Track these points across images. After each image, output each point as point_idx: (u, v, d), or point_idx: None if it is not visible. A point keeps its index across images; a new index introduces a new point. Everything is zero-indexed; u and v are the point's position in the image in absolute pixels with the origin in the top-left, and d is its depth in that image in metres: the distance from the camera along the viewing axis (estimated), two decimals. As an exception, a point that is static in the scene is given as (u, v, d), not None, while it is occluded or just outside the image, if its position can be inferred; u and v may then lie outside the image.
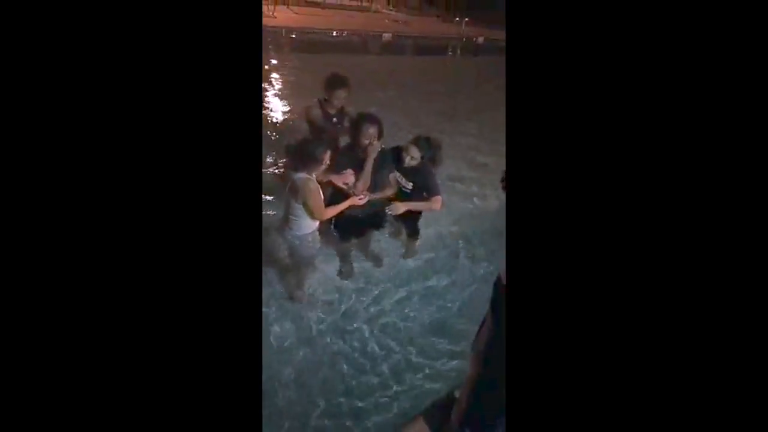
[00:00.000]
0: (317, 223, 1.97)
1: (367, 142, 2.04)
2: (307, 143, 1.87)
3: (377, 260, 2.64)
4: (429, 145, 2.16)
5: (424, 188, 2.24)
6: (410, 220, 2.49)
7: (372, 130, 2.04)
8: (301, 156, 1.82)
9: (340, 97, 2.41)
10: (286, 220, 1.98)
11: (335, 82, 2.39)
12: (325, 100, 2.46)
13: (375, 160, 2.07)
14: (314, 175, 1.85)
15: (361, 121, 2.09)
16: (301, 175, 1.82)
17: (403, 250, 2.75)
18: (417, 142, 2.14)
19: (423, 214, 2.51)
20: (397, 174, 2.25)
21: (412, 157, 2.13)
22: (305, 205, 1.85)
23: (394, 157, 2.23)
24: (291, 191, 1.87)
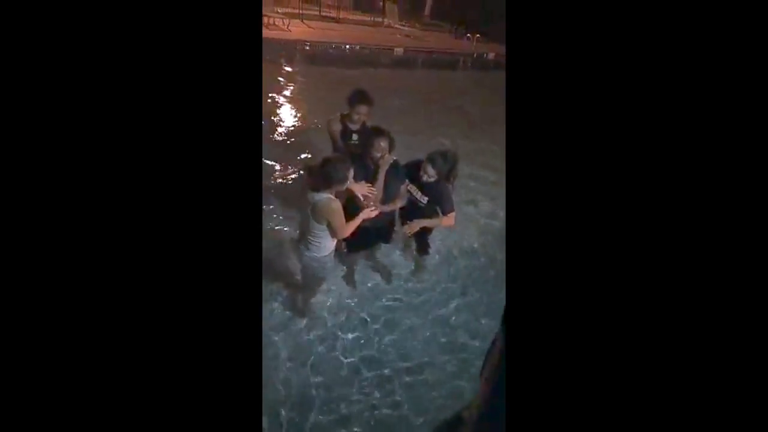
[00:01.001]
0: (335, 243, 1.96)
1: (378, 155, 2.08)
2: (330, 163, 1.80)
3: (386, 275, 2.66)
4: (445, 161, 2.15)
5: (438, 203, 2.24)
6: (421, 236, 2.51)
7: (383, 143, 2.09)
8: (324, 176, 1.78)
9: (362, 112, 2.45)
10: (302, 240, 1.96)
11: (357, 97, 2.43)
12: (347, 114, 2.50)
13: (386, 172, 2.11)
14: (335, 193, 1.83)
15: (372, 134, 2.13)
16: (323, 196, 1.80)
17: (413, 266, 2.76)
18: (432, 159, 2.13)
19: (434, 230, 2.53)
20: (411, 186, 2.26)
21: (429, 175, 2.13)
22: (329, 225, 1.83)
23: (407, 170, 2.26)
24: (312, 213, 1.83)
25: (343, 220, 1.84)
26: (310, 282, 2.13)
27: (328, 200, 1.80)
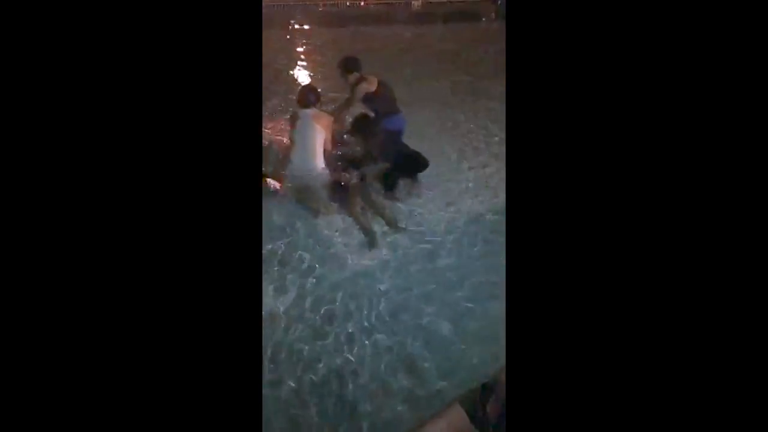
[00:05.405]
0: (321, 158, 2.39)
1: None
2: (308, 87, 2.60)
3: (395, 225, 2.64)
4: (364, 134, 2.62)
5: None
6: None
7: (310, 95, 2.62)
8: (303, 95, 2.53)
9: (351, 81, 2.78)
10: (290, 155, 2.39)
11: (346, 64, 2.77)
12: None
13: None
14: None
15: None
16: (314, 109, 2.36)
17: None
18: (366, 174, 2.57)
19: (418, 178, 2.86)
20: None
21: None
22: (325, 134, 2.37)
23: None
24: (311, 121, 2.31)
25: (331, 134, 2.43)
26: (312, 189, 2.52)
27: (321, 112, 2.35)
